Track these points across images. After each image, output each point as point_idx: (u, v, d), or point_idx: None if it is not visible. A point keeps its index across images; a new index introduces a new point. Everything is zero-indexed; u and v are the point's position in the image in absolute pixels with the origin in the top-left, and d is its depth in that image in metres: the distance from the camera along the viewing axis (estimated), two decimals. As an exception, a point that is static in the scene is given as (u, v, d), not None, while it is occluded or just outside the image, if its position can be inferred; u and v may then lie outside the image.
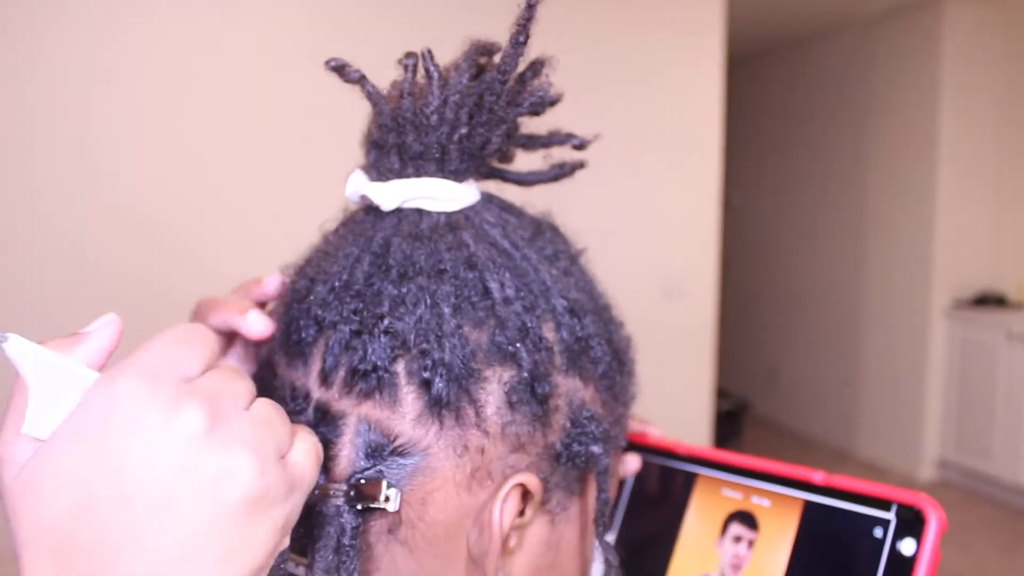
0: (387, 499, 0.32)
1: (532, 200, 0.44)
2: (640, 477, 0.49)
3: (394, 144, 0.37)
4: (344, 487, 0.32)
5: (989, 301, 3.36)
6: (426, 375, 0.32)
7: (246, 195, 1.95)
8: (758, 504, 0.42)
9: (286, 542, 0.28)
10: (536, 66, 0.38)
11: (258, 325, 0.37)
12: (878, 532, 0.37)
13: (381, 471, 0.32)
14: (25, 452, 0.25)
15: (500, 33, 0.37)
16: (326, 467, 0.33)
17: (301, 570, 0.34)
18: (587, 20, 2.36)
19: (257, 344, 0.40)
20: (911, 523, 0.36)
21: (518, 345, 0.34)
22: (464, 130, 0.36)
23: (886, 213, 3.66)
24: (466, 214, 0.37)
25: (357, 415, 0.33)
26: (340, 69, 0.36)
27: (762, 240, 4.57)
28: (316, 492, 0.32)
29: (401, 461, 0.33)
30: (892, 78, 3.62)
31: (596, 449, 0.36)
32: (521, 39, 0.35)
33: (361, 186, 0.38)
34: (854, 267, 3.86)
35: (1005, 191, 3.49)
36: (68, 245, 1.75)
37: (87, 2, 1.75)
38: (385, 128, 0.36)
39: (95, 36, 1.76)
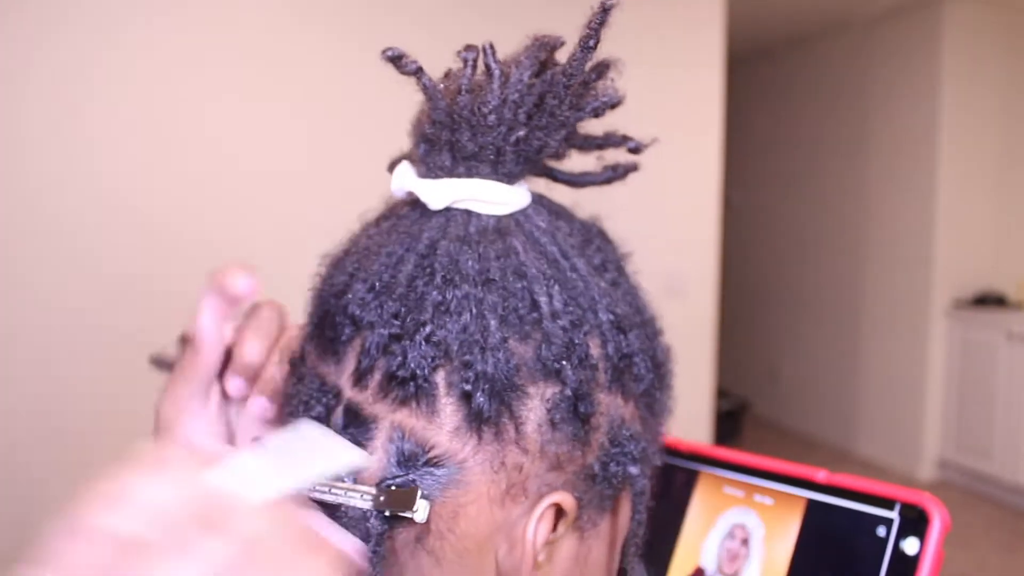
0: (416, 509, 0.31)
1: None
2: None
3: (447, 141, 0.35)
4: (373, 491, 0.32)
5: (989, 301, 3.36)
6: (467, 387, 0.31)
7: (246, 195, 1.95)
8: (760, 502, 0.42)
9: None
10: (601, 68, 0.36)
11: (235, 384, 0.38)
12: (881, 531, 0.37)
13: (414, 480, 0.32)
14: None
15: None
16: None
17: None
18: (586, 20, 2.35)
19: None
20: (914, 522, 0.36)
21: (564, 362, 0.32)
22: (522, 132, 0.34)
23: (886, 213, 3.66)
24: (516, 219, 0.36)
25: (391, 421, 0.32)
26: (397, 60, 0.34)
27: (762, 240, 4.57)
28: (343, 492, 0.32)
29: (435, 472, 0.32)
30: (892, 78, 3.62)
31: (634, 470, 0.35)
32: (591, 43, 0.34)
33: (409, 181, 0.36)
34: (854, 267, 3.86)
35: (1005, 191, 3.49)
36: (68, 245, 1.74)
37: (87, 2, 1.75)
38: (439, 124, 0.35)
39: (95, 36, 1.76)
